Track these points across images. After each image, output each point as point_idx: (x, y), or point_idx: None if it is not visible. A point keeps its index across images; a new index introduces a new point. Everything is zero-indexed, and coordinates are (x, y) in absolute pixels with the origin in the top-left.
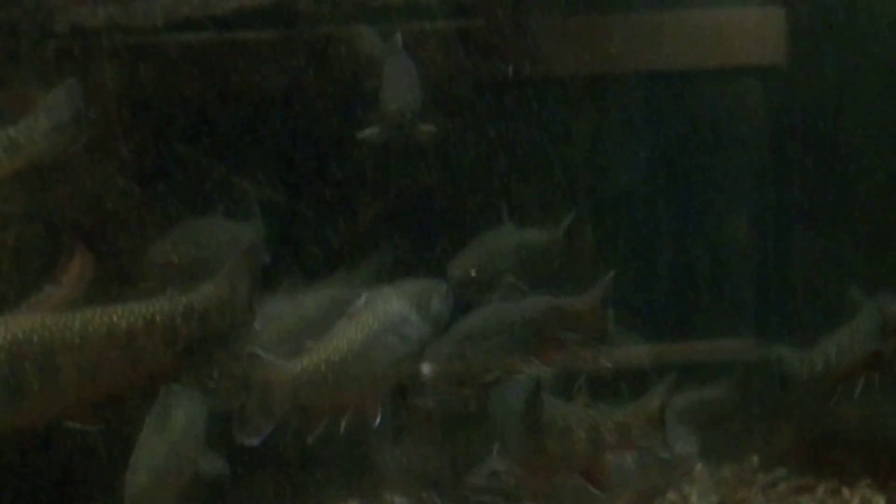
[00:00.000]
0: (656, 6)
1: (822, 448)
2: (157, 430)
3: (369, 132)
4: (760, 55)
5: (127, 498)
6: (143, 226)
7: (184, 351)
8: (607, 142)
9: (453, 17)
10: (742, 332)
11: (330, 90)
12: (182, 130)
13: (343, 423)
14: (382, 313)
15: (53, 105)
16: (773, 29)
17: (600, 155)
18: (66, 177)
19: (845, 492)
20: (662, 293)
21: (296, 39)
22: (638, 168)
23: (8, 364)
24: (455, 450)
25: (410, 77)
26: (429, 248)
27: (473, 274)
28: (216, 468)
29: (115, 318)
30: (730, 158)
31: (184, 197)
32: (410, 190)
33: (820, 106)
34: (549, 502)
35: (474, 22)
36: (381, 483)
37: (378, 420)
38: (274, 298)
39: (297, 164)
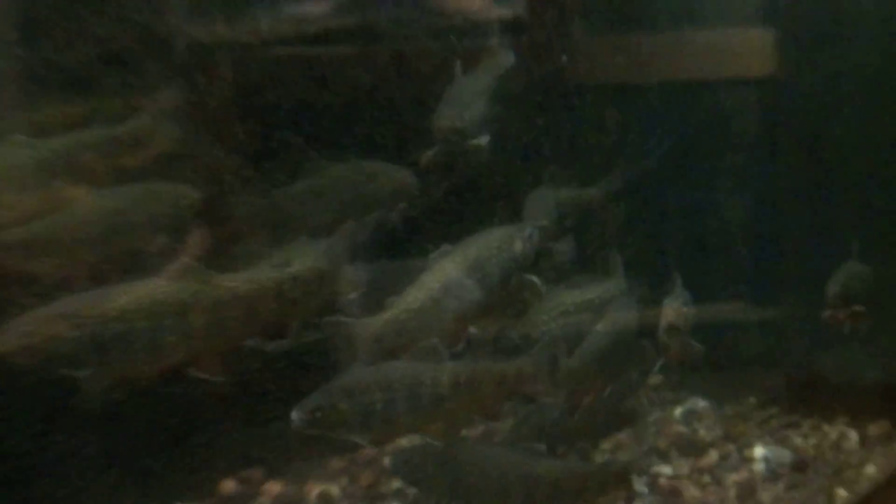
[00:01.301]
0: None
1: (807, 391)
2: None
3: (431, 154)
4: (755, 68)
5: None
6: (253, 197)
7: (289, 312)
8: (634, 135)
9: (509, 33)
10: (738, 297)
11: (403, 96)
12: (285, 123)
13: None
14: (456, 267)
15: (155, 111)
16: (765, 45)
17: (628, 145)
18: (189, 159)
19: (825, 427)
20: (668, 261)
21: (375, 53)
22: (658, 156)
23: (149, 321)
24: None
25: (466, 94)
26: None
27: None
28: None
29: (238, 284)
30: (732, 151)
31: (288, 175)
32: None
33: (807, 109)
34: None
35: (528, 37)
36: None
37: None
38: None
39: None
